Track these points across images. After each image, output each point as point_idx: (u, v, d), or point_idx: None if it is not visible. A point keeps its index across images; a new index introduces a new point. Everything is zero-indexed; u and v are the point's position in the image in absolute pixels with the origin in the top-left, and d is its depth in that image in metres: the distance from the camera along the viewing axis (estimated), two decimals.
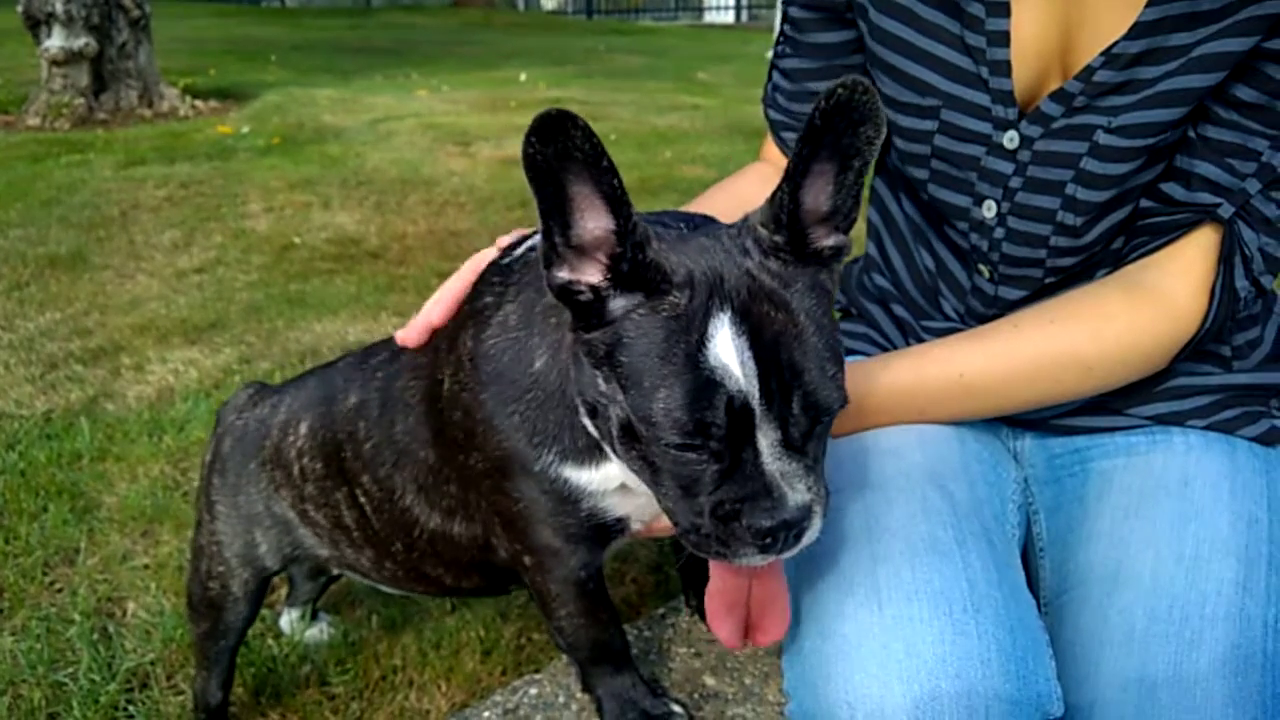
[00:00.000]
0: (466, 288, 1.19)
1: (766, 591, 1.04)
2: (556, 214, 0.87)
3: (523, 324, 1.07)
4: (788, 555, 0.92)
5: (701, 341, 0.87)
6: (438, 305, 1.20)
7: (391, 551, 1.36)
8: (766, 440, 0.88)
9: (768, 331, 0.88)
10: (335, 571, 1.53)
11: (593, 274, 0.90)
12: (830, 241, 0.94)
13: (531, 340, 1.06)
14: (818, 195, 0.91)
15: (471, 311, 1.14)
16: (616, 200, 0.85)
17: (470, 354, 1.11)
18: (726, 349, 0.86)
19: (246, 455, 1.44)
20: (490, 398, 1.10)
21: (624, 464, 0.99)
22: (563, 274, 0.90)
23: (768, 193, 0.92)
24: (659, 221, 0.98)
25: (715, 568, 1.03)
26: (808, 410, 0.89)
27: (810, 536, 0.92)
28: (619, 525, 1.15)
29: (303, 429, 1.39)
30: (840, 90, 0.84)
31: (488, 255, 1.20)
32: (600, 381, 0.94)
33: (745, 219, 0.95)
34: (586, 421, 1.01)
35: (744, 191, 1.40)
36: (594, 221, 0.87)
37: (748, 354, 0.87)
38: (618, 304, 0.90)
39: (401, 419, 1.25)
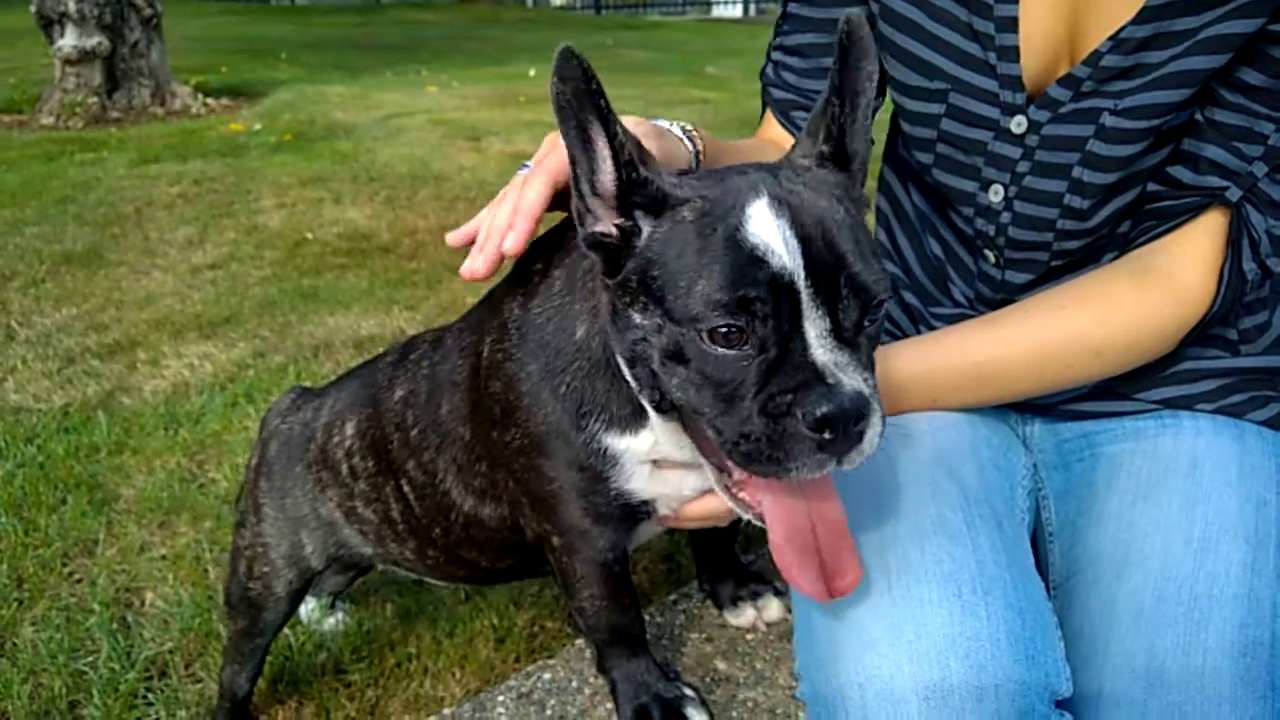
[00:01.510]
0: (543, 206, 1.05)
1: (831, 531, 0.95)
2: (585, 160, 0.89)
3: (567, 289, 1.07)
4: (848, 463, 0.84)
5: (739, 224, 0.83)
6: (516, 233, 1.05)
7: (432, 538, 1.37)
8: (815, 330, 0.83)
9: (808, 215, 0.85)
10: (380, 567, 1.55)
11: (616, 216, 0.91)
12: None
13: (574, 307, 1.05)
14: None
15: (522, 277, 1.14)
16: (606, 120, 0.87)
17: (517, 321, 1.10)
18: (766, 226, 0.83)
19: (292, 459, 1.45)
20: (536, 370, 1.08)
21: (665, 417, 0.98)
22: (593, 227, 0.92)
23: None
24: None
25: (772, 512, 0.95)
26: (857, 293, 0.84)
27: (871, 439, 0.84)
28: (645, 507, 1.15)
29: (349, 429, 1.40)
30: (843, 24, 0.89)
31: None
32: (636, 316, 0.91)
33: (784, 158, 0.98)
34: (627, 373, 0.98)
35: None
36: (609, 164, 0.89)
37: (789, 232, 0.82)
38: (644, 233, 0.90)
39: (447, 399, 1.25)
